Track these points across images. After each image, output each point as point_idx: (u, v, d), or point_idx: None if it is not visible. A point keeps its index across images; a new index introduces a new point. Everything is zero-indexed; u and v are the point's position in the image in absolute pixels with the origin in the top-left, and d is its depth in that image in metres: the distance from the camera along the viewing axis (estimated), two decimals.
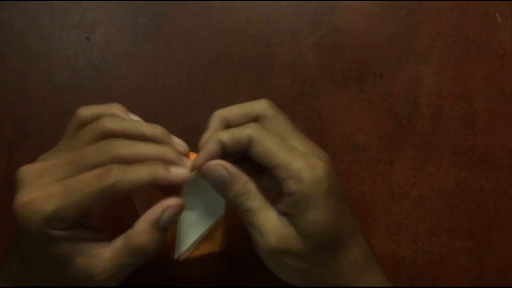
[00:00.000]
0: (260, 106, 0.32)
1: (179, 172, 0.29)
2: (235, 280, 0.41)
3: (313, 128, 0.41)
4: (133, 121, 0.32)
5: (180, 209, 0.29)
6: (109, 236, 0.30)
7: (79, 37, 0.43)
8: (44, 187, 0.28)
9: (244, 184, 0.30)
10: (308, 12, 0.43)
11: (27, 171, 0.30)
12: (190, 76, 0.42)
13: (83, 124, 0.31)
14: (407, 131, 0.42)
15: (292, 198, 0.30)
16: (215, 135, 0.30)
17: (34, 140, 0.42)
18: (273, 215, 0.30)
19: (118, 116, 0.32)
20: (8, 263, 0.32)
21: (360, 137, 0.42)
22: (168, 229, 0.30)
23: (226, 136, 0.30)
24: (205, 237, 0.32)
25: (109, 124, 0.30)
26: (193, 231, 0.32)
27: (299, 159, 0.30)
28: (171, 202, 0.29)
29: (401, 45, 0.43)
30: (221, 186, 0.30)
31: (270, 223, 0.30)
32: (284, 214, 0.31)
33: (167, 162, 0.29)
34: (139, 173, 0.28)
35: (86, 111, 0.31)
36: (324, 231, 0.30)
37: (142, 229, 0.29)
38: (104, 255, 0.29)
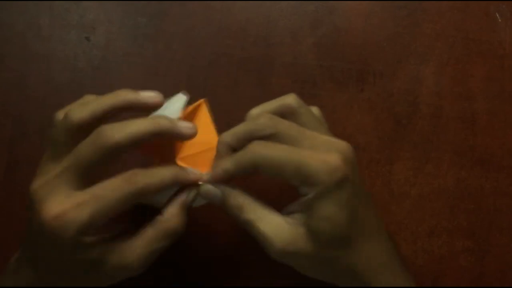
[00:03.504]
0: (289, 101, 0.33)
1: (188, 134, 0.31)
2: (236, 281, 0.42)
3: None
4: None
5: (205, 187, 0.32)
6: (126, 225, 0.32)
7: (79, 37, 0.43)
8: (70, 197, 0.28)
9: (238, 198, 0.31)
10: (308, 12, 0.43)
11: (40, 187, 0.30)
12: (190, 76, 0.42)
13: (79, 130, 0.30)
14: (407, 131, 0.42)
15: (306, 198, 0.30)
16: (220, 163, 0.31)
17: (34, 140, 0.42)
18: (274, 220, 0.31)
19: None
20: (21, 272, 0.32)
21: (360, 137, 0.42)
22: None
23: (230, 165, 0.31)
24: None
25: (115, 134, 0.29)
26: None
27: (311, 163, 0.29)
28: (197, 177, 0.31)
29: (401, 45, 0.43)
30: (217, 203, 0.32)
31: (271, 229, 0.30)
32: (295, 212, 0.31)
33: (164, 133, 0.30)
34: (163, 174, 0.30)
35: (81, 114, 0.30)
36: (336, 226, 0.30)
37: (174, 212, 0.31)
38: (136, 245, 0.30)
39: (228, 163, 0.31)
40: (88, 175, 0.29)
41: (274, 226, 0.30)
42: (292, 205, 0.32)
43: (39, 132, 0.42)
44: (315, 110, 0.35)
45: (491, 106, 0.43)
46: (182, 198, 0.31)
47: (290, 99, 0.33)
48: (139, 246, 0.30)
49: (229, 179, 0.31)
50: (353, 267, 0.31)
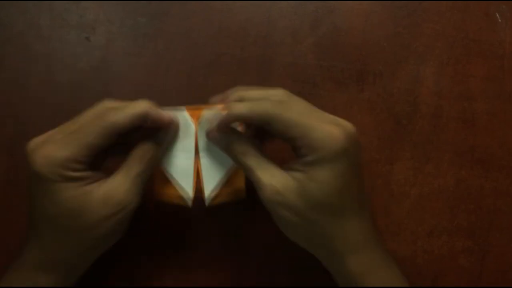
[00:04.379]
0: (276, 92, 0.34)
1: (167, 112, 0.35)
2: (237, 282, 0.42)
3: None
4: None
5: (176, 128, 0.36)
6: None
7: (79, 37, 0.43)
8: (53, 140, 0.33)
9: (243, 145, 0.34)
10: (308, 12, 0.43)
11: (34, 140, 0.34)
12: (190, 76, 0.42)
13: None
14: (407, 131, 0.42)
15: (305, 159, 0.32)
16: (232, 106, 0.33)
17: None
18: (272, 170, 0.33)
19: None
20: (30, 244, 0.34)
21: (360, 137, 0.42)
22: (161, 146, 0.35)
23: (244, 109, 0.33)
24: (228, 185, 0.37)
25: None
26: (215, 174, 0.36)
27: (317, 129, 0.32)
28: (169, 118, 0.35)
29: (401, 45, 0.43)
30: (225, 147, 0.35)
31: (266, 176, 0.33)
32: (293, 170, 0.33)
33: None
34: (134, 107, 0.33)
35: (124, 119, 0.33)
36: (326, 192, 0.32)
37: (144, 145, 0.34)
38: (118, 176, 0.34)
39: (243, 108, 0.33)
40: (91, 154, 0.33)
41: (270, 174, 0.33)
42: (293, 163, 0.33)
43: (39, 132, 0.42)
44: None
45: (491, 106, 0.43)
46: (133, 110, 0.33)
47: (277, 92, 0.34)
48: (121, 176, 0.34)
49: (240, 121, 0.35)
50: (331, 240, 0.33)
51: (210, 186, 0.36)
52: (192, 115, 0.36)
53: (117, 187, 0.33)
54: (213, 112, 0.35)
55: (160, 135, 0.35)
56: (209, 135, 0.36)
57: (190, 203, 0.36)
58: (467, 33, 0.43)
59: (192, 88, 0.42)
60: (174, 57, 0.43)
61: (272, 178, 0.33)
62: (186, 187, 0.36)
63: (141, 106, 0.33)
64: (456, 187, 0.42)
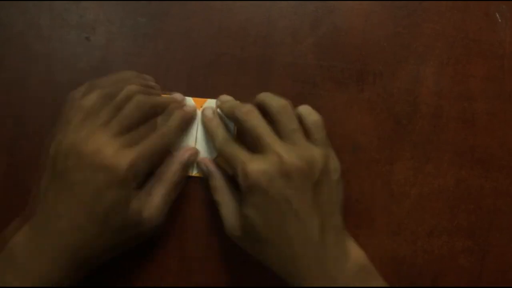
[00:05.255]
0: (272, 106, 0.37)
1: (190, 109, 0.41)
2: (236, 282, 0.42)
3: None
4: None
5: (197, 154, 0.41)
6: None
7: (79, 37, 0.43)
8: (119, 141, 0.35)
9: (216, 181, 0.39)
10: (308, 12, 0.43)
11: (83, 138, 0.35)
12: (190, 76, 0.42)
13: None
14: (407, 131, 0.42)
15: (240, 187, 0.36)
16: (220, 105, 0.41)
17: (34, 141, 0.42)
18: (231, 207, 0.38)
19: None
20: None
21: (360, 137, 0.42)
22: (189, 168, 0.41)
23: (225, 109, 0.40)
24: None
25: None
26: (207, 153, 0.41)
27: (237, 164, 0.35)
28: (194, 150, 0.40)
29: (401, 45, 0.43)
30: (204, 176, 0.40)
31: (227, 214, 0.38)
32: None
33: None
34: (175, 119, 0.39)
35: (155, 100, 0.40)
36: (251, 226, 0.35)
37: (176, 169, 0.39)
38: (153, 197, 0.37)
39: (221, 104, 0.40)
40: (131, 132, 0.36)
41: (230, 211, 0.38)
42: None
43: (39, 132, 0.42)
44: (304, 108, 0.38)
45: (491, 106, 0.43)
46: (182, 157, 0.39)
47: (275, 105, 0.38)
48: (158, 200, 0.37)
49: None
50: (268, 264, 0.36)
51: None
52: (196, 102, 0.41)
53: (158, 210, 0.37)
54: (215, 102, 0.41)
55: (187, 156, 0.40)
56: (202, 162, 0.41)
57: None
58: (467, 33, 0.43)
59: (192, 88, 0.42)
60: (174, 57, 0.43)
61: (231, 215, 0.38)
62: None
63: (180, 119, 0.39)
64: (456, 187, 0.42)
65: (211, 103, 0.41)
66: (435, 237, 0.42)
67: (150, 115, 0.38)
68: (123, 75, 0.39)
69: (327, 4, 0.43)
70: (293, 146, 0.35)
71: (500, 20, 0.43)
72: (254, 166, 0.34)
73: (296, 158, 0.34)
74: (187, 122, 0.40)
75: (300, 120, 0.37)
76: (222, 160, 0.40)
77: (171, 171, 0.39)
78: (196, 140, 0.41)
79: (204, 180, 0.40)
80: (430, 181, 0.42)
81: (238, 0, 0.43)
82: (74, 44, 0.43)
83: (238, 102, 0.40)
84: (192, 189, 0.41)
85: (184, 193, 0.41)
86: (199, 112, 0.41)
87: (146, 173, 0.37)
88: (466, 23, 0.43)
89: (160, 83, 0.42)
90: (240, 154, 0.36)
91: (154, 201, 0.37)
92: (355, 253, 0.36)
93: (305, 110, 0.38)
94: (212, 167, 0.40)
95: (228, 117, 0.40)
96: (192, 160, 0.40)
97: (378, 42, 0.43)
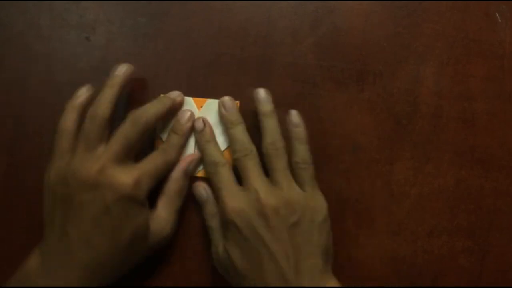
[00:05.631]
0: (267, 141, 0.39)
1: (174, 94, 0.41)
2: None
3: (313, 128, 0.41)
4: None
5: (198, 161, 0.40)
6: None
7: (79, 37, 0.43)
8: (134, 169, 0.37)
9: (211, 207, 0.40)
10: (308, 12, 0.43)
11: (98, 171, 0.36)
12: (190, 76, 0.42)
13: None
14: (407, 131, 0.42)
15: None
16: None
17: (34, 141, 0.42)
18: (219, 241, 0.38)
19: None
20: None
21: (360, 137, 0.42)
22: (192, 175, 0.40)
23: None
24: None
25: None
26: None
27: (220, 194, 0.37)
28: (193, 156, 0.40)
29: (401, 45, 0.43)
30: (200, 201, 0.40)
31: (214, 245, 0.39)
32: None
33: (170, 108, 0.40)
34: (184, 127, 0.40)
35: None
36: (226, 258, 0.36)
37: (177, 177, 0.39)
38: (161, 211, 0.38)
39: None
40: (132, 150, 0.37)
41: (215, 245, 0.38)
42: None
43: (39, 132, 0.42)
44: (294, 114, 0.39)
45: (491, 106, 0.43)
46: (183, 166, 0.39)
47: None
48: (163, 212, 0.38)
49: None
50: None
51: (199, 166, 0.41)
52: (196, 102, 0.41)
53: (165, 221, 0.38)
54: (215, 102, 0.41)
55: (187, 164, 0.40)
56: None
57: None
58: (467, 33, 0.43)
59: (192, 88, 0.42)
60: (174, 57, 0.43)
61: (215, 249, 0.38)
62: None
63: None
64: (456, 187, 0.42)
65: (211, 103, 0.41)
66: (435, 237, 0.42)
67: (147, 129, 0.38)
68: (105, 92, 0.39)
69: (327, 4, 0.43)
70: (275, 186, 0.37)
71: (500, 20, 0.43)
72: (233, 203, 0.36)
73: (274, 199, 0.35)
74: (187, 135, 0.40)
75: (288, 132, 0.39)
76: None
77: (172, 180, 0.39)
78: (195, 145, 0.41)
79: (201, 205, 0.41)
80: (430, 181, 0.42)
81: (238, 0, 0.43)
82: (74, 44, 0.43)
83: (235, 114, 0.40)
84: (192, 189, 0.41)
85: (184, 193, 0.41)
86: (197, 110, 0.41)
87: (151, 189, 0.37)
88: (466, 23, 0.43)
89: (160, 83, 0.42)
90: (223, 186, 0.37)
91: (159, 212, 0.38)
92: None
93: (294, 119, 0.39)
94: (209, 194, 0.40)
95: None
96: (193, 166, 0.40)
97: (378, 42, 0.43)
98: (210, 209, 0.39)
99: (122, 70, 0.39)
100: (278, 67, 0.43)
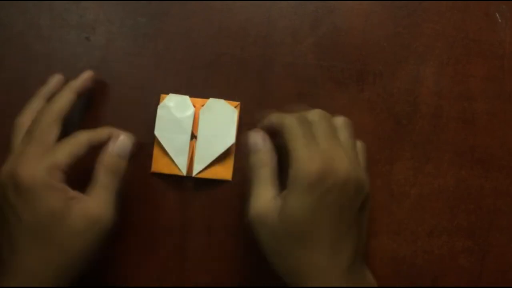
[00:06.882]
0: (311, 115, 0.36)
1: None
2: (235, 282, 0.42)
3: None
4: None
5: (127, 140, 0.37)
6: None
7: (79, 37, 0.43)
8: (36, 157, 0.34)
9: (267, 156, 0.36)
10: (308, 12, 0.43)
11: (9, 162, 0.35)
12: (190, 76, 0.42)
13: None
14: (407, 131, 0.42)
15: (288, 180, 0.33)
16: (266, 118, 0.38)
17: None
18: (268, 192, 0.35)
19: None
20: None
21: (360, 137, 0.42)
22: (125, 158, 0.37)
23: (273, 120, 0.37)
24: (219, 164, 0.41)
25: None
26: (208, 153, 0.40)
27: (305, 152, 0.33)
28: (122, 136, 0.37)
29: (401, 45, 0.43)
30: (253, 149, 0.36)
31: (259, 196, 0.35)
32: (282, 196, 0.34)
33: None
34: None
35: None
36: (295, 217, 0.32)
37: (108, 152, 0.36)
38: (93, 193, 0.35)
39: (273, 116, 0.37)
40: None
41: (261, 195, 0.34)
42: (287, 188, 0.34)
43: None
44: (341, 121, 0.37)
45: (491, 106, 0.43)
46: (112, 147, 0.36)
47: (312, 114, 0.36)
48: (97, 192, 0.35)
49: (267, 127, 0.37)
50: (297, 268, 0.33)
51: (200, 166, 0.41)
52: (194, 102, 0.41)
53: (95, 203, 0.35)
54: (217, 101, 0.41)
55: (119, 143, 0.37)
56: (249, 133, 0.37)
57: (184, 172, 0.41)
58: (467, 33, 0.43)
59: (192, 88, 0.42)
60: (174, 57, 0.43)
61: (261, 199, 0.34)
62: (180, 166, 0.40)
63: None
64: (456, 187, 0.42)
65: (212, 102, 0.41)
66: (435, 237, 0.42)
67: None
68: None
69: (327, 4, 0.43)
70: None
71: (500, 20, 0.43)
72: (319, 163, 0.32)
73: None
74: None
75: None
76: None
77: (100, 161, 0.36)
78: (196, 139, 0.41)
79: (246, 154, 0.37)
80: (430, 181, 0.42)
81: (238, 0, 0.43)
82: (74, 44, 0.43)
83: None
84: (192, 189, 0.41)
85: (185, 194, 0.41)
86: (194, 110, 0.41)
87: (72, 165, 0.35)
88: (466, 23, 0.43)
89: (160, 83, 0.42)
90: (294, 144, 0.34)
91: (97, 200, 0.35)
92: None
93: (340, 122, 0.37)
94: (269, 142, 0.36)
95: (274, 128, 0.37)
96: (123, 147, 0.37)
97: (378, 42, 0.43)
98: (262, 157, 0.36)
99: (84, 77, 0.40)
100: (278, 67, 0.43)
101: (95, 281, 0.41)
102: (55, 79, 0.40)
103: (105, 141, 0.37)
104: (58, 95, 0.38)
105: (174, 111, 0.41)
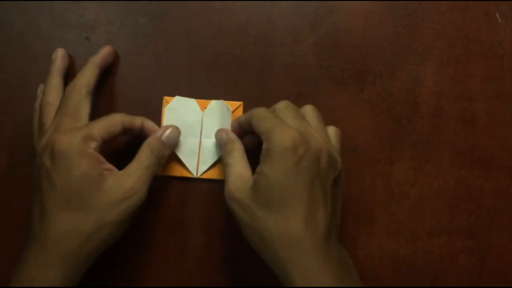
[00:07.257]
0: (278, 105, 0.37)
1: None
2: (235, 281, 0.42)
3: None
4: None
5: (176, 132, 0.39)
6: None
7: (79, 37, 0.43)
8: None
9: (233, 145, 0.38)
10: (308, 12, 0.43)
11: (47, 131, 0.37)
12: (190, 76, 0.42)
13: None
14: (407, 131, 0.42)
15: (262, 154, 0.34)
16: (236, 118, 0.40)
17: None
18: (241, 169, 0.36)
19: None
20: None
21: (360, 137, 0.42)
22: (170, 147, 0.39)
23: (242, 117, 0.39)
24: (220, 164, 0.41)
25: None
26: (211, 155, 0.41)
27: (278, 127, 0.34)
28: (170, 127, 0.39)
29: (401, 45, 0.43)
30: (221, 145, 0.39)
31: (233, 175, 0.36)
32: (257, 172, 0.35)
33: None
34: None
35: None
36: (269, 184, 0.33)
37: (157, 135, 0.38)
38: (130, 168, 0.36)
39: (241, 116, 0.39)
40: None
41: (237, 173, 0.36)
42: (259, 165, 0.35)
43: None
44: (309, 108, 0.37)
45: (491, 106, 0.43)
46: (160, 131, 0.39)
47: (279, 104, 0.37)
48: (133, 166, 0.36)
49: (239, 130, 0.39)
50: (271, 237, 0.33)
51: (203, 167, 0.41)
52: (199, 103, 0.41)
53: (129, 175, 0.35)
54: (218, 103, 0.41)
55: (168, 132, 0.39)
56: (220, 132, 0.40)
57: (195, 174, 0.41)
58: (467, 33, 0.43)
59: (192, 88, 0.42)
60: (174, 57, 0.43)
61: (237, 176, 0.36)
62: (191, 168, 0.41)
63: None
64: (456, 187, 0.42)
65: (214, 104, 0.41)
66: (435, 237, 0.42)
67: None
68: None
69: (327, 4, 0.43)
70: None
71: (500, 20, 0.43)
72: (293, 132, 0.34)
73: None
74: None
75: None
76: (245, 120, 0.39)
77: (146, 142, 0.38)
78: (201, 141, 0.41)
79: (218, 147, 0.40)
80: (430, 181, 0.42)
81: (238, 0, 0.43)
82: (74, 44, 0.43)
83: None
84: (192, 189, 0.41)
85: (185, 194, 0.41)
86: (202, 114, 0.41)
87: (106, 140, 0.36)
88: (466, 23, 0.43)
89: (160, 83, 0.42)
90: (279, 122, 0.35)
91: (132, 173, 0.36)
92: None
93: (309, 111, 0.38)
94: (232, 134, 0.39)
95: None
96: (171, 136, 0.39)
97: (378, 42, 0.43)
98: (232, 146, 0.38)
99: (104, 51, 0.41)
100: (278, 67, 0.43)
101: (95, 280, 0.41)
102: (60, 54, 0.41)
103: (138, 127, 0.38)
104: (82, 71, 0.39)
105: (182, 114, 0.41)
